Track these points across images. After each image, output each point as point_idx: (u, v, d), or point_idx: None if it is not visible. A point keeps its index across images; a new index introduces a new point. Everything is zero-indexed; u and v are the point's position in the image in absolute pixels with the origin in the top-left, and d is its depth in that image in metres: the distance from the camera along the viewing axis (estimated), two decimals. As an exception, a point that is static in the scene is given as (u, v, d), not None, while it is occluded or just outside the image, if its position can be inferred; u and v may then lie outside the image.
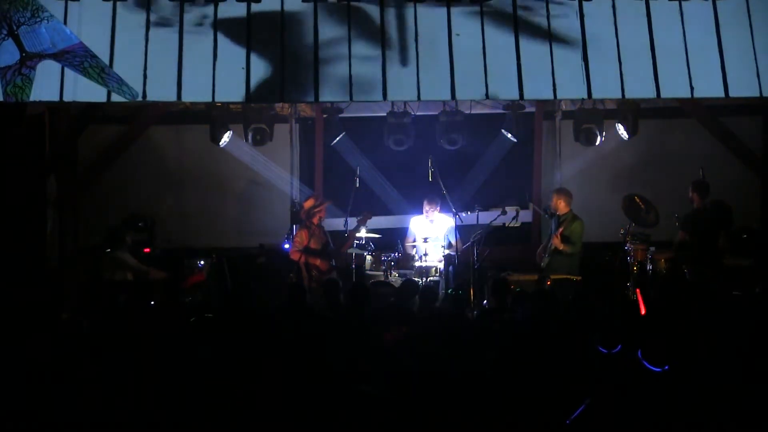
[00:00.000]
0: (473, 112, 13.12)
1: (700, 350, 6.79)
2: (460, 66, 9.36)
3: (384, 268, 12.05)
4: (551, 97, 9.45)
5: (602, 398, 6.19)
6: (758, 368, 6.60)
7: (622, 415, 6.09)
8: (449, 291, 10.76)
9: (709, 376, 6.47)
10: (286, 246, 12.10)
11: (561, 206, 12.05)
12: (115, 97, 9.24)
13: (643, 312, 9.31)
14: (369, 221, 12.11)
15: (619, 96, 9.51)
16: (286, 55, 9.36)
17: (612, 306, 8.91)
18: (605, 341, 6.95)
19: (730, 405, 6.21)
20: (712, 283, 10.56)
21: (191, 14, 9.43)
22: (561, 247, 11.79)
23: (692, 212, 11.61)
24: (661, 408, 6.16)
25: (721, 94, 9.44)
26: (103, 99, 9.30)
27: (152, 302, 9.84)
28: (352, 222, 12.06)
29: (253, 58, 9.34)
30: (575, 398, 6.23)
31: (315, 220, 11.90)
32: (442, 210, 12.39)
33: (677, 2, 9.55)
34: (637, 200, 12.42)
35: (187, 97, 9.44)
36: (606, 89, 9.47)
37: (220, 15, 9.43)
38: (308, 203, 12.05)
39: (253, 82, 9.31)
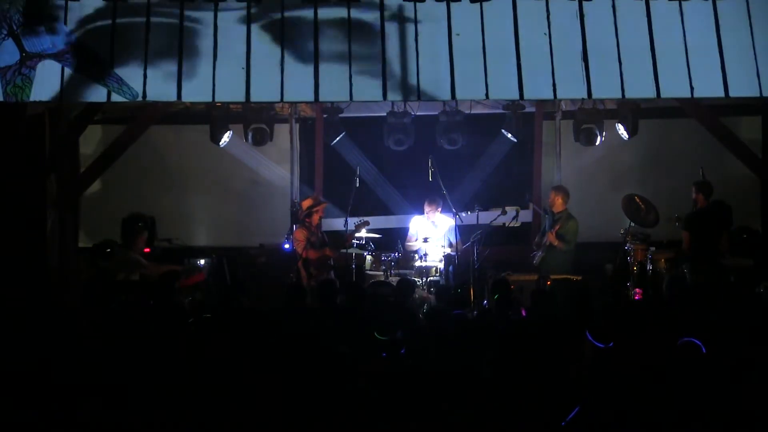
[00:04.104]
0: (473, 112, 13.13)
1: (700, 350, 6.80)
2: (460, 66, 9.35)
3: (384, 268, 12.05)
4: (551, 97, 9.44)
5: (598, 400, 6.19)
6: (758, 368, 6.60)
7: (617, 416, 6.10)
8: (451, 292, 10.77)
9: (708, 375, 6.47)
10: (286, 246, 12.10)
11: (558, 203, 12.20)
12: (115, 97, 9.23)
13: None
14: (366, 227, 12.14)
15: (619, 96, 9.50)
16: (286, 55, 9.35)
17: (608, 301, 8.94)
18: (599, 335, 6.97)
19: (729, 405, 6.21)
20: (713, 283, 10.56)
21: (191, 14, 9.42)
22: (556, 243, 11.92)
23: (696, 212, 11.62)
24: (658, 408, 6.16)
25: (721, 94, 9.44)
26: (103, 99, 9.29)
27: (152, 302, 9.84)
28: (352, 222, 12.06)
29: (254, 57, 9.33)
30: (572, 399, 6.24)
31: (315, 219, 11.91)
32: (442, 210, 12.41)
33: (677, 2, 9.54)
34: (637, 200, 12.44)
35: (187, 97, 9.44)
36: (606, 89, 9.46)
37: (219, 15, 9.43)
38: (306, 203, 12.06)
39: (253, 82, 9.30)
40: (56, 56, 9.21)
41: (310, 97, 9.37)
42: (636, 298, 11.32)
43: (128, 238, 11.62)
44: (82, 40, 9.26)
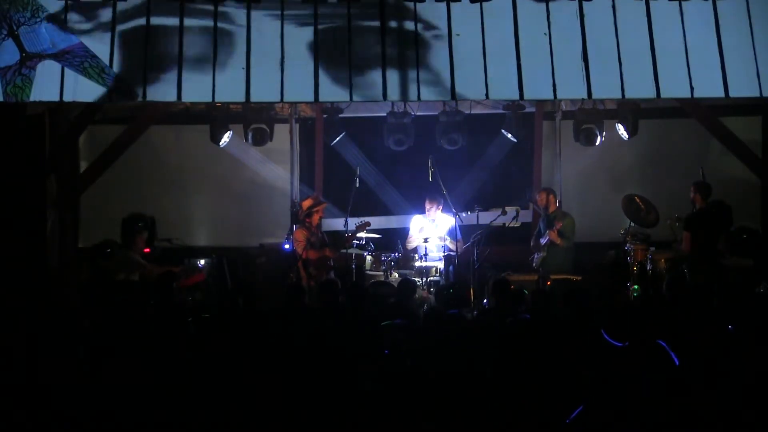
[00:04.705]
0: (473, 112, 13.13)
1: (701, 350, 6.80)
2: (460, 66, 9.35)
3: (384, 268, 12.05)
4: (551, 97, 9.44)
5: (602, 398, 6.19)
6: (759, 369, 6.60)
7: (621, 414, 6.10)
8: (443, 292, 10.78)
9: (710, 376, 6.47)
10: (286, 246, 12.09)
11: (552, 203, 12.25)
12: (115, 97, 9.23)
13: None
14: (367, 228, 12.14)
15: (619, 96, 9.49)
16: (286, 55, 9.36)
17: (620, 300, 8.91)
18: (616, 334, 6.96)
19: (730, 405, 6.21)
20: (713, 283, 10.56)
21: (191, 14, 9.42)
22: (558, 241, 11.95)
23: (697, 212, 11.62)
24: (660, 407, 6.17)
25: (721, 94, 9.43)
26: (103, 99, 9.30)
27: (152, 302, 9.84)
28: (352, 222, 12.06)
29: (253, 58, 9.33)
30: (575, 398, 6.24)
31: (315, 220, 11.90)
32: (443, 210, 12.41)
33: (677, 2, 9.54)
34: (637, 200, 12.45)
35: (187, 97, 9.44)
36: (606, 89, 9.46)
37: (219, 15, 9.43)
38: (307, 203, 12.06)
39: (253, 82, 9.30)
40: (56, 56, 9.21)
41: (310, 97, 9.37)
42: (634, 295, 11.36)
43: (128, 238, 11.62)
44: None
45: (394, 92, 9.37)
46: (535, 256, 12.29)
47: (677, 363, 6.54)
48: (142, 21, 9.36)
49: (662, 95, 9.43)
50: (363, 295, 9.27)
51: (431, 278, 11.94)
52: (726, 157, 12.10)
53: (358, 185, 12.39)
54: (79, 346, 7.40)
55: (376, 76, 9.35)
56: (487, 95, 9.44)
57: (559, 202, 12.59)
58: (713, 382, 6.39)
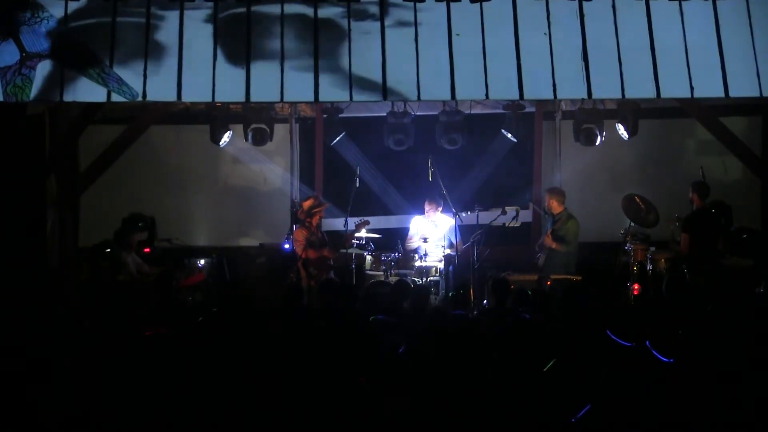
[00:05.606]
0: (473, 112, 13.13)
1: (703, 350, 6.80)
2: (460, 66, 9.36)
3: (384, 268, 12.04)
4: (551, 97, 9.45)
5: (607, 397, 6.19)
6: (760, 368, 6.59)
7: (626, 414, 6.09)
8: (451, 293, 10.76)
9: (712, 375, 6.47)
10: (286, 246, 12.09)
11: (554, 205, 12.23)
12: (115, 97, 9.24)
13: None
14: (366, 227, 12.13)
15: (619, 96, 9.50)
16: (286, 55, 9.36)
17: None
18: (623, 333, 6.96)
19: (731, 404, 6.21)
20: (712, 283, 10.57)
21: (191, 14, 9.42)
22: (553, 245, 11.94)
23: (695, 213, 11.62)
24: (663, 407, 6.17)
25: (721, 94, 9.44)
26: (103, 99, 9.30)
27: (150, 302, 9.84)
28: (352, 222, 12.06)
29: (253, 58, 9.34)
30: (575, 398, 6.23)
31: (315, 220, 11.89)
32: (443, 210, 12.40)
33: (677, 2, 9.55)
34: (637, 200, 12.44)
35: (187, 97, 9.44)
36: (606, 89, 9.47)
37: (220, 15, 9.43)
38: (308, 203, 12.05)
39: (253, 82, 9.31)
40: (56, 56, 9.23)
41: (310, 97, 9.38)
42: (634, 293, 11.35)
43: (122, 239, 11.58)
44: (80, 38, 9.28)
45: (394, 92, 9.38)
46: (540, 256, 12.27)
47: (666, 361, 6.54)
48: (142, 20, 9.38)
49: (662, 95, 9.44)
50: (355, 297, 9.24)
51: (431, 278, 11.94)
52: (726, 157, 12.10)
53: (358, 185, 12.38)
54: (78, 346, 7.40)
55: (376, 76, 9.35)
56: (487, 95, 9.45)
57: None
58: (713, 382, 6.39)
